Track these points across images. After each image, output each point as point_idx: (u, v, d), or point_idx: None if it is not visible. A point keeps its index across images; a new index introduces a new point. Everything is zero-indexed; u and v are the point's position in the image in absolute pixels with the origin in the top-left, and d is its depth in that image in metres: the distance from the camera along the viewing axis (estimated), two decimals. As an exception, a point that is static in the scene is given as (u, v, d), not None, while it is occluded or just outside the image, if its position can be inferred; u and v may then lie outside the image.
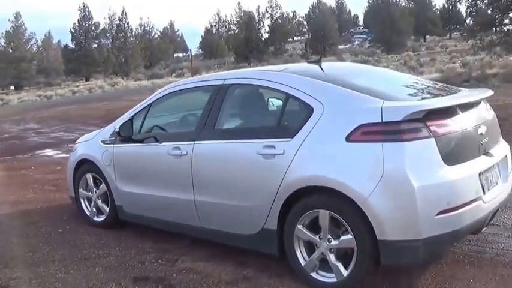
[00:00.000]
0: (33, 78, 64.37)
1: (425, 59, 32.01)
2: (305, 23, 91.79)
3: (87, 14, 70.18)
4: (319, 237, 3.31)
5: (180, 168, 4.05)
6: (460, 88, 3.99)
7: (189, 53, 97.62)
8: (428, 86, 3.93)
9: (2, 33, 64.97)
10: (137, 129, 4.58)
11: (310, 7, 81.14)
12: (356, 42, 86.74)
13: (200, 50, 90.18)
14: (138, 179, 4.55)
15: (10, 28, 64.66)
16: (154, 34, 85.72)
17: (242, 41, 72.20)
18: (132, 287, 3.66)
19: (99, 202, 5.08)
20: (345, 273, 3.22)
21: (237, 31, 76.05)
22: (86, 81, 62.51)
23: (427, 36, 79.15)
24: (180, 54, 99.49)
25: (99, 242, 4.67)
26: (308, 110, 3.39)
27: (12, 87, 59.17)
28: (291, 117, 3.54)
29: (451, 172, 3.04)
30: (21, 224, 5.40)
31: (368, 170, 3.04)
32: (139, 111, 4.66)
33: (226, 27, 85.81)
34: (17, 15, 64.92)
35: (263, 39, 76.54)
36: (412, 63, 26.32)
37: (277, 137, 3.47)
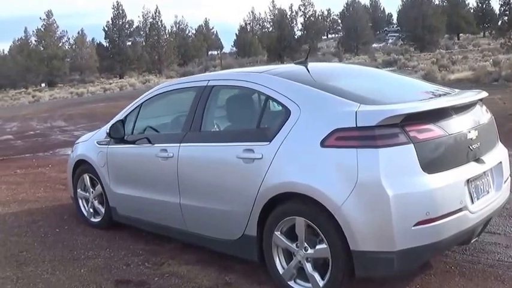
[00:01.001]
0: (67, 76, 65.88)
1: (458, 57, 31.15)
2: (339, 21, 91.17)
3: (120, 12, 71.37)
4: (296, 245, 3.21)
5: (166, 171, 4.01)
6: (455, 90, 3.81)
7: (222, 50, 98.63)
8: (417, 88, 3.77)
9: (33, 31, 66.77)
10: (129, 130, 4.57)
11: (345, 5, 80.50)
12: (390, 41, 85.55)
13: (234, 48, 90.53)
14: (130, 181, 4.54)
15: (41, 26, 66.27)
16: (189, 32, 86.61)
17: (275, 39, 72.15)
18: (113, 290, 3.65)
19: (96, 203, 5.10)
20: (321, 283, 3.11)
21: (270, 29, 76.07)
22: (120, 78, 63.52)
23: (461, 35, 77.51)
24: (215, 52, 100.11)
25: (92, 242, 4.69)
26: (286, 113, 3.29)
27: (43, 85, 60.68)
28: (270, 120, 3.45)
29: (431, 180, 2.88)
30: (23, 222, 5.47)
31: (342, 177, 2.91)
32: (130, 112, 4.64)
33: (260, 25, 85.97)
34: (49, 13, 66.53)
35: (296, 37, 76.28)
36: (444, 62, 25.63)
37: (256, 140, 3.38)
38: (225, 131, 3.93)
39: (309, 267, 3.16)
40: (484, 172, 3.30)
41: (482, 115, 3.51)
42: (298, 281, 3.27)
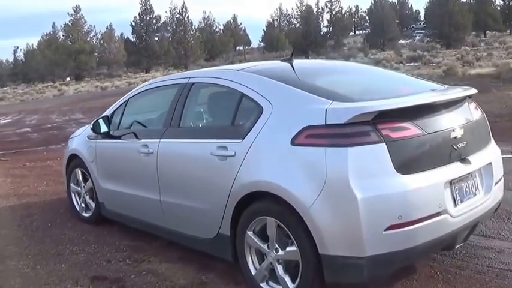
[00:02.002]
0: (94, 70, 66.86)
1: (482, 54, 30.43)
2: (367, 18, 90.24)
3: (148, 7, 71.99)
4: (268, 246, 3.09)
5: (148, 167, 3.95)
6: (445, 86, 3.62)
7: (250, 46, 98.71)
8: (403, 84, 3.61)
9: (61, 26, 67.94)
10: (115, 126, 4.54)
11: (372, 2, 79.46)
12: (417, 38, 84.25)
13: (262, 43, 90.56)
14: (116, 176, 4.50)
15: (69, 21, 67.32)
16: (216, 28, 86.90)
17: (300, 35, 71.91)
18: (87, 286, 3.60)
19: (87, 198, 5.08)
20: (292, 287, 2.98)
21: (297, 25, 75.87)
22: (146, 73, 64.17)
23: (487, 32, 75.74)
24: (242, 47, 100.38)
25: (80, 238, 4.66)
26: (259, 110, 3.17)
27: (68, 79, 61.67)
28: (244, 117, 3.33)
29: (405, 182, 2.71)
30: (17, 216, 5.49)
31: (311, 178, 2.77)
32: (117, 108, 4.62)
33: (287, 21, 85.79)
34: (77, 9, 67.51)
35: (321, 33, 75.86)
36: (469, 58, 25.05)
37: (230, 137, 3.28)
38: (202, 127, 3.86)
39: (279, 269, 3.04)
40: (470, 173, 3.12)
41: (469, 113, 3.32)
42: (270, 283, 3.15)
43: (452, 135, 3.01)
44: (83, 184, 5.10)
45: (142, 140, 4.05)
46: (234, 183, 3.18)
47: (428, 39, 68.37)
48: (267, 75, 3.39)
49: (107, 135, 4.55)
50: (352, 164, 2.66)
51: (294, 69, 3.56)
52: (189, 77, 3.92)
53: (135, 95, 4.52)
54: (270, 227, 3.03)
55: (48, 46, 66.96)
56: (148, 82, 4.55)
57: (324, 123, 2.78)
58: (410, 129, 2.81)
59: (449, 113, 3.10)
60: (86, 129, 5.08)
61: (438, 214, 2.82)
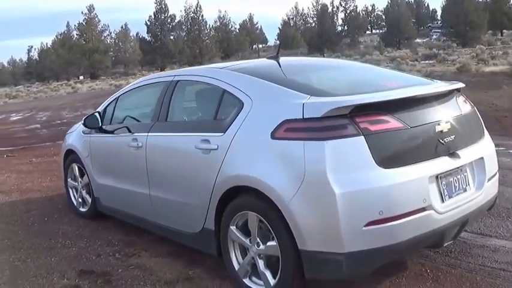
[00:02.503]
0: (109, 69, 67.33)
1: (498, 52, 30.00)
2: (383, 16, 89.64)
3: (163, 6, 72.35)
4: (250, 240, 3.06)
5: (137, 161, 3.95)
6: (434, 80, 3.55)
7: (267, 44, 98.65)
8: (388, 79, 3.54)
9: (75, 26, 68.45)
10: (108, 120, 4.56)
11: (389, 1, 78.85)
12: (434, 37, 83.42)
13: (278, 42, 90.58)
14: (109, 171, 4.51)
15: (83, 20, 67.72)
16: (231, 26, 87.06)
17: (315, 33, 71.78)
18: (74, 279, 3.60)
19: (84, 193, 5.08)
20: (272, 282, 2.94)
21: (313, 24, 75.77)
22: (161, 71, 64.47)
23: (504, 31, 74.57)
24: (260, 45, 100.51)
25: (74, 232, 4.67)
26: (239, 105, 3.16)
27: (81, 77, 62.14)
28: (226, 112, 3.32)
29: (386, 176, 2.64)
30: (17, 211, 5.52)
31: (291, 172, 2.72)
32: (109, 104, 4.68)
33: (303, 20, 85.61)
34: (90, 8, 67.90)
35: (336, 31, 75.58)
36: (484, 56, 24.74)
37: (212, 131, 3.27)
38: (187, 121, 3.87)
39: (261, 264, 3.00)
40: (459, 168, 3.03)
41: (457, 107, 3.24)
42: (253, 278, 3.12)
43: (438, 128, 2.94)
44: (79, 179, 5.11)
45: (132, 134, 4.07)
46: (217, 177, 3.15)
47: (445, 38, 67.76)
48: (248, 73, 3.41)
49: (100, 130, 4.56)
50: (329, 158, 2.60)
51: (278, 66, 3.56)
52: (175, 75, 3.98)
53: (125, 92, 4.58)
54: (252, 222, 3.00)
55: (63, 45, 67.61)
56: (138, 80, 4.61)
57: (302, 117, 2.74)
58: (390, 123, 2.75)
59: (433, 107, 3.03)
60: (81, 124, 5.08)
61: (422, 210, 2.74)
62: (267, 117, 2.95)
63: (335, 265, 2.65)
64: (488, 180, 3.26)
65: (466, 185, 3.08)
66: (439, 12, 72.60)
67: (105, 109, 4.67)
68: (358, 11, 76.66)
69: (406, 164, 2.75)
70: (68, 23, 73.40)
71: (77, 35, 69.57)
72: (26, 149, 10.49)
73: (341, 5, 75.67)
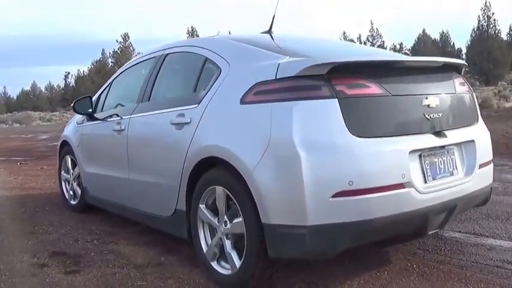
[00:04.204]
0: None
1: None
2: (411, 54, 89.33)
3: (195, 37, 73.75)
4: (218, 220, 2.86)
5: (119, 145, 3.83)
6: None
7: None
8: (382, 53, 3.35)
9: (110, 53, 70.07)
10: (100, 108, 4.47)
11: (416, 40, 78.56)
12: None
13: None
14: (95, 158, 4.42)
15: (118, 49, 69.28)
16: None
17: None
18: (44, 259, 3.48)
19: (75, 185, 5.00)
20: (238, 264, 2.72)
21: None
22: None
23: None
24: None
25: (60, 221, 4.58)
26: (217, 72, 2.98)
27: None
28: (204, 82, 3.12)
29: (358, 144, 2.42)
30: (11, 203, 5.51)
31: (256, 138, 2.52)
32: (102, 91, 4.58)
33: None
34: (125, 37, 69.40)
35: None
36: (506, 93, 24.66)
37: (187, 104, 3.10)
38: (167, 98, 3.67)
39: (228, 244, 2.79)
40: (446, 149, 2.81)
41: (452, 85, 3.01)
42: (221, 262, 2.90)
43: (425, 102, 2.72)
44: (71, 171, 5.04)
45: (116, 118, 3.95)
46: (188, 152, 2.99)
47: (469, 75, 66.86)
48: (233, 39, 3.23)
49: (91, 118, 4.46)
50: (297, 120, 2.40)
51: (269, 38, 3.41)
52: (165, 48, 3.77)
53: (118, 75, 4.46)
54: (219, 197, 2.80)
55: (98, 72, 69.12)
56: (131, 60, 4.47)
57: (274, 78, 2.55)
58: (370, 88, 2.53)
59: (423, 79, 2.83)
60: (76, 116, 5.02)
61: (401, 186, 2.50)
62: (239, 82, 2.77)
63: (298, 240, 2.41)
64: (480, 167, 3.00)
65: (453, 169, 2.85)
66: (464, 51, 71.70)
67: (98, 96, 4.56)
68: (385, 47, 76.17)
69: (384, 135, 2.53)
70: (103, 50, 75.27)
71: (111, 62, 71.21)
72: (40, 158, 10.58)
73: (368, 40, 75.57)
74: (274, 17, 3.68)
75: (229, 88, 2.83)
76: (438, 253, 3.31)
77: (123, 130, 3.77)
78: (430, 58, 2.98)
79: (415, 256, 3.27)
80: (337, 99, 2.43)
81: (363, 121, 2.49)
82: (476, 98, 3.40)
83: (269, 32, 3.63)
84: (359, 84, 2.52)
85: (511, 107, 16.91)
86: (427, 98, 2.74)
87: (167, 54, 3.69)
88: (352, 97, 2.48)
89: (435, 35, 69.58)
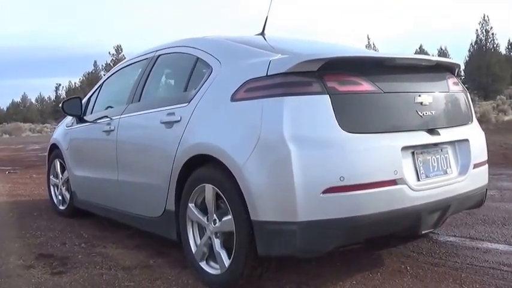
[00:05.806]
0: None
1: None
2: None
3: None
4: (207, 219, 2.80)
5: (109, 146, 3.77)
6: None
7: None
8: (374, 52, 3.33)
9: (102, 66, 69.83)
10: (90, 111, 4.41)
11: (413, 56, 79.02)
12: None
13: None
14: (83, 160, 4.35)
15: (110, 61, 68.85)
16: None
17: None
18: (30, 261, 3.40)
19: (63, 189, 4.91)
20: (227, 263, 2.66)
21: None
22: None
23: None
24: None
25: (48, 226, 4.48)
26: (209, 71, 2.96)
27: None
28: (195, 81, 3.10)
29: (350, 140, 2.39)
30: (-2, 210, 5.39)
31: (246, 134, 2.49)
32: (93, 92, 4.52)
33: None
34: (118, 49, 68.91)
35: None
36: (504, 107, 24.86)
37: (178, 102, 3.06)
38: (158, 97, 3.64)
39: (217, 243, 2.73)
40: (439, 147, 2.78)
41: (445, 84, 3.00)
42: (210, 262, 2.84)
43: (418, 100, 2.71)
44: (60, 175, 4.95)
45: (106, 119, 3.89)
46: (177, 150, 2.94)
47: (468, 90, 67.13)
48: (227, 39, 3.21)
49: (81, 120, 4.40)
50: (288, 115, 2.37)
51: (263, 38, 3.41)
52: (157, 50, 3.73)
53: (108, 77, 4.43)
54: (208, 195, 2.75)
55: (90, 84, 68.65)
56: (121, 62, 4.42)
57: (265, 75, 2.53)
58: (362, 85, 2.52)
59: (416, 77, 2.82)
60: (67, 119, 4.95)
61: (393, 182, 2.47)
62: (231, 79, 2.74)
63: (288, 237, 2.36)
64: (475, 167, 2.97)
65: (447, 167, 2.82)
66: (462, 67, 72.04)
67: (88, 98, 4.50)
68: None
69: (376, 131, 2.52)
70: (95, 62, 74.57)
71: (103, 75, 70.62)
72: (29, 167, 10.46)
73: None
74: (266, 19, 3.66)
75: (220, 86, 2.81)
76: (432, 256, 3.26)
77: (112, 131, 3.71)
78: (422, 56, 2.98)
79: (409, 258, 3.21)
80: (328, 95, 2.41)
81: (354, 117, 2.48)
82: (475, 112, 3.39)
83: (262, 34, 3.61)
84: (351, 81, 2.51)
85: (509, 121, 17.00)
86: (420, 95, 2.72)
87: (159, 55, 3.66)
88: (344, 93, 2.46)
89: (433, 51, 70.00)
